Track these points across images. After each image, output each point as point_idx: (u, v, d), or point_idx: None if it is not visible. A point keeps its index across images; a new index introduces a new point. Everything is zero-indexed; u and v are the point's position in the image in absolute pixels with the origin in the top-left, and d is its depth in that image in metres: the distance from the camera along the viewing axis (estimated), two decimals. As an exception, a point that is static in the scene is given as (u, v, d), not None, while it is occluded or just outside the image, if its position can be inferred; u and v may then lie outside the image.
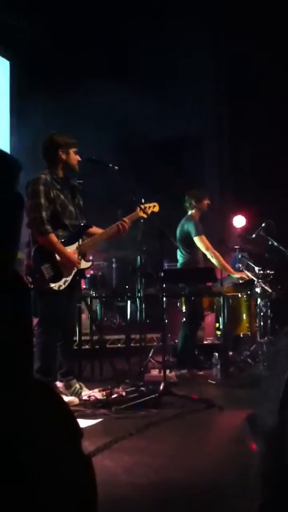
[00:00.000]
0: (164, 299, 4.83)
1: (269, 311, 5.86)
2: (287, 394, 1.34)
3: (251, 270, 6.03)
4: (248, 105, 9.37)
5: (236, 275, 6.17)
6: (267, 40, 8.54)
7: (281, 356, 1.48)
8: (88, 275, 6.43)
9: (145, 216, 4.56)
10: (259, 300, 5.80)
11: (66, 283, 4.15)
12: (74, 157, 4.32)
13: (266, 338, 5.67)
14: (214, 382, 5.22)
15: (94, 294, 6.31)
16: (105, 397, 4.11)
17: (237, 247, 6.47)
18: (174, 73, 9.24)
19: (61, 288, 4.13)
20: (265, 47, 8.57)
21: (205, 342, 6.55)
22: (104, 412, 3.81)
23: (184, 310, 5.95)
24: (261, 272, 5.87)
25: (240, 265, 6.21)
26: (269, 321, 5.86)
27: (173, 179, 8.38)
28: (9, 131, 8.43)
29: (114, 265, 8.75)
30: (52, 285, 4.08)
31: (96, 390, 4.23)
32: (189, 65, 9.35)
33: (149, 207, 4.62)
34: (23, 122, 7.76)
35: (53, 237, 4.12)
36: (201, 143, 10.54)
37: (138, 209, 4.53)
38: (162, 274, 4.65)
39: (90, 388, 4.33)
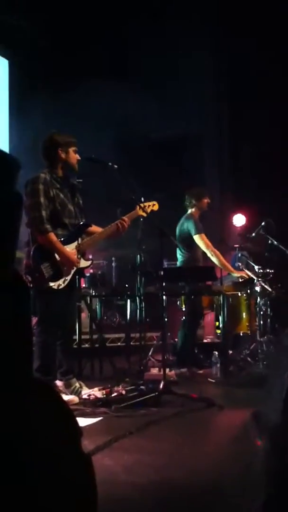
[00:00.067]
0: (164, 297, 4.84)
1: (269, 310, 5.87)
2: None
3: (251, 269, 6.04)
4: (248, 105, 9.37)
5: (236, 274, 6.18)
6: (267, 40, 8.54)
7: (284, 356, 1.49)
8: (88, 274, 6.43)
9: (144, 215, 4.57)
10: (258, 299, 5.81)
11: (66, 282, 4.16)
12: (74, 156, 4.32)
13: (266, 337, 5.68)
14: (213, 381, 5.22)
15: (93, 293, 6.32)
16: (105, 396, 4.11)
17: (237, 246, 6.48)
18: (174, 73, 9.25)
19: (61, 287, 4.13)
20: (265, 47, 8.58)
21: (205, 340, 6.56)
22: (104, 411, 3.80)
23: (184, 309, 5.96)
24: (261, 271, 5.88)
25: (240, 264, 6.22)
26: (269, 320, 5.87)
27: (173, 179, 8.38)
28: (8, 130, 8.43)
29: (113, 264, 8.76)
30: (51, 284, 4.09)
31: (96, 389, 4.23)
32: (189, 65, 9.36)
33: (149, 205, 4.63)
34: (23, 122, 7.76)
35: (52, 236, 4.12)
36: (201, 143, 10.54)
37: (138, 207, 4.54)
38: (162, 272, 4.66)
39: (90, 387, 4.33)
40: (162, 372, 4.35)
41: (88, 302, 5.92)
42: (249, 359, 5.63)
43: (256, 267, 5.94)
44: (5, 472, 1.24)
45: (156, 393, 4.03)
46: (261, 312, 5.77)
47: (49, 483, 1.29)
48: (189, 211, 6.17)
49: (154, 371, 5.43)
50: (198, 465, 2.78)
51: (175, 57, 9.17)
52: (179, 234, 6.08)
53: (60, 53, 8.59)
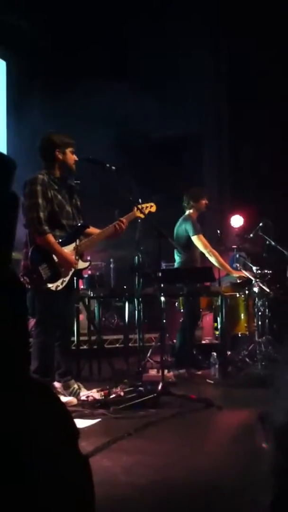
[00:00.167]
0: (162, 299, 4.84)
1: (267, 310, 5.87)
2: None
3: (249, 270, 6.04)
4: (248, 105, 9.37)
5: (235, 274, 6.17)
6: (267, 40, 8.54)
7: None
8: (86, 275, 6.44)
9: (142, 216, 4.56)
10: (257, 300, 5.81)
11: (64, 284, 4.15)
12: (71, 157, 4.31)
13: (264, 337, 5.68)
14: (212, 382, 5.22)
15: (92, 294, 6.32)
16: (103, 397, 4.11)
17: (234, 246, 6.48)
18: (174, 73, 9.24)
19: (59, 288, 4.12)
20: (265, 47, 8.57)
21: (203, 341, 6.55)
22: (103, 412, 3.80)
23: (182, 310, 5.95)
24: (259, 271, 5.88)
25: (238, 265, 6.22)
26: (267, 320, 5.87)
27: (172, 179, 8.38)
28: (6, 131, 8.42)
29: (112, 265, 8.75)
30: (49, 285, 4.08)
31: (95, 390, 4.23)
32: (189, 65, 9.35)
33: (146, 207, 4.63)
34: (22, 122, 7.76)
35: (50, 237, 4.12)
36: (200, 143, 10.54)
37: (135, 209, 4.53)
38: (160, 274, 4.65)
39: (88, 388, 4.33)
40: (160, 373, 4.34)
41: (87, 303, 5.92)
42: (247, 359, 5.63)
43: (254, 268, 5.94)
44: (5, 472, 1.24)
45: (155, 394, 4.03)
46: (259, 313, 5.77)
47: (48, 483, 1.30)
48: (187, 212, 6.16)
49: (153, 372, 5.41)
50: (198, 465, 2.78)
51: (175, 57, 9.17)
52: (177, 235, 6.08)
53: (60, 53, 8.58)
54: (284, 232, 6.38)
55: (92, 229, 4.45)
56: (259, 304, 5.79)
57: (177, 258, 6.11)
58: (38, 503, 1.28)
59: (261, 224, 6.18)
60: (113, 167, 4.27)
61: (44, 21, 8.44)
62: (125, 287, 6.44)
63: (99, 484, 1.36)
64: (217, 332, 6.17)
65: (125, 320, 6.46)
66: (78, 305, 5.29)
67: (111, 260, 8.67)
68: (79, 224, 4.36)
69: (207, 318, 6.59)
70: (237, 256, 6.42)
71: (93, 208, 5.16)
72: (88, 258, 4.65)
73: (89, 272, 6.79)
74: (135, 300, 5.50)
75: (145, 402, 3.95)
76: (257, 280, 5.81)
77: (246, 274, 5.99)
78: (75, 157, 4.32)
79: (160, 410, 3.89)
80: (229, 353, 5.78)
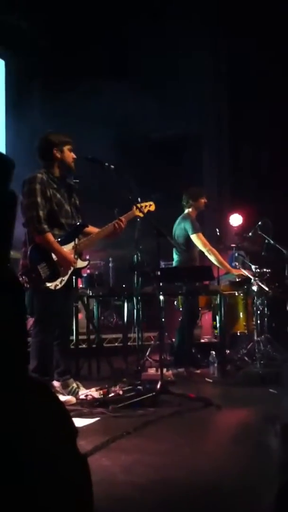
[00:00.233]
0: (161, 297, 4.85)
1: (266, 309, 5.89)
2: None
3: (248, 268, 6.05)
4: (248, 105, 9.37)
5: (235, 272, 6.18)
6: (267, 40, 8.54)
7: None
8: (85, 274, 6.43)
9: (141, 215, 4.57)
10: (256, 298, 5.81)
11: (63, 283, 4.15)
12: (69, 155, 4.31)
13: (263, 336, 5.70)
14: (211, 381, 5.23)
15: (91, 293, 6.32)
16: (102, 396, 4.11)
17: (233, 245, 6.49)
18: (174, 73, 9.24)
19: (58, 287, 4.13)
20: (265, 47, 8.57)
21: (202, 340, 6.56)
22: (102, 411, 3.80)
23: (181, 309, 5.96)
24: (258, 270, 5.89)
25: (237, 264, 6.22)
26: (266, 319, 5.89)
27: (172, 179, 8.38)
28: (5, 131, 8.42)
29: (111, 264, 8.74)
30: (48, 284, 4.08)
31: (93, 389, 4.24)
32: (189, 65, 9.35)
33: (145, 206, 4.63)
34: (22, 122, 7.76)
35: (49, 236, 4.12)
36: (200, 143, 10.53)
37: (134, 208, 4.54)
38: (159, 273, 4.66)
39: (87, 387, 4.34)
40: (159, 372, 4.35)
41: (85, 302, 5.93)
42: (246, 358, 5.65)
43: (253, 267, 5.95)
44: (5, 472, 1.25)
45: (154, 393, 4.04)
46: (258, 312, 5.78)
47: (47, 482, 1.31)
48: (186, 211, 6.18)
49: (152, 371, 5.43)
50: (197, 464, 2.78)
51: (175, 57, 9.16)
52: (175, 234, 6.09)
53: (60, 53, 8.58)
54: (282, 231, 6.38)
55: (91, 228, 4.45)
56: (258, 302, 5.80)
57: (175, 257, 6.12)
58: (37, 502, 1.28)
59: (260, 222, 6.19)
60: (112, 166, 4.27)
61: (44, 21, 8.44)
62: (124, 286, 6.45)
63: (98, 483, 1.37)
64: (216, 331, 6.17)
65: (124, 319, 6.45)
66: (77, 304, 5.32)
67: (110, 259, 8.66)
68: (78, 223, 4.36)
69: (206, 317, 6.60)
70: (236, 254, 6.43)
71: (92, 207, 5.16)
72: (87, 257, 4.64)
73: (88, 271, 6.79)
74: (134, 299, 5.50)
75: (144, 401, 3.95)
76: (256, 278, 5.82)
77: (245, 272, 6.00)
78: (73, 155, 4.32)
79: (159, 409, 3.89)
80: (228, 351, 5.80)
